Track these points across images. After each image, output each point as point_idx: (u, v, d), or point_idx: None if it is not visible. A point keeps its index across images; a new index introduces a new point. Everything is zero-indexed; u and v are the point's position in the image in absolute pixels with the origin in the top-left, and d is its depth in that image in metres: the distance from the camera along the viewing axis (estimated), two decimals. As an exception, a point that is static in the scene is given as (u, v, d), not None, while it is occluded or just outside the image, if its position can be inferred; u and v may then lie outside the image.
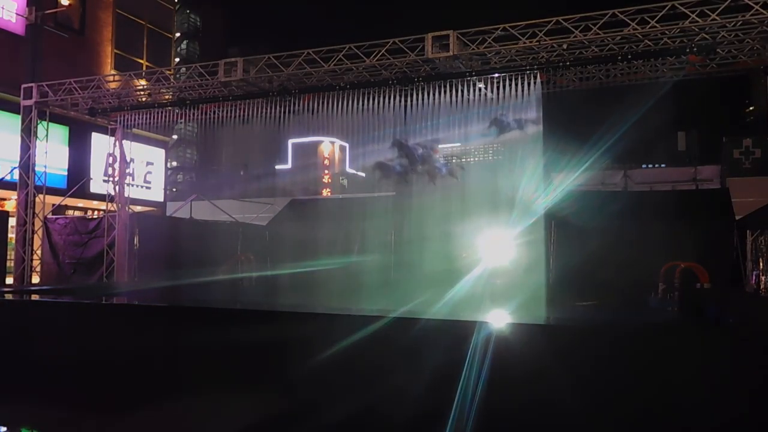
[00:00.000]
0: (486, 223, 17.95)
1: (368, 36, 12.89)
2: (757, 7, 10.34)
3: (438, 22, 12.62)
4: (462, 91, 12.93)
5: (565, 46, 11.95)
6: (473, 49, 12.21)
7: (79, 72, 16.91)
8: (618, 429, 5.98)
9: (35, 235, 16.27)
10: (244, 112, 14.72)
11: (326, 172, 34.33)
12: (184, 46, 42.61)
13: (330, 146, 34.68)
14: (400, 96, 13.43)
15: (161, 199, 22.57)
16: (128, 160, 17.41)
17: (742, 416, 5.66)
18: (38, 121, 15.99)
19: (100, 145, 19.15)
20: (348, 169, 35.09)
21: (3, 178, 16.20)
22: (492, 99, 13.01)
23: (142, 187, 21.00)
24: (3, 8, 17.39)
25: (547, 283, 13.31)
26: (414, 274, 17.48)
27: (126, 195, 17.04)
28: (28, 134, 15.90)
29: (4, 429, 7.93)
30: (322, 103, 14.00)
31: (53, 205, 17.51)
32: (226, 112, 14.88)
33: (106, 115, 16.40)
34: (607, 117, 21.43)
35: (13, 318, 10.05)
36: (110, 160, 17.54)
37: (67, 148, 18.95)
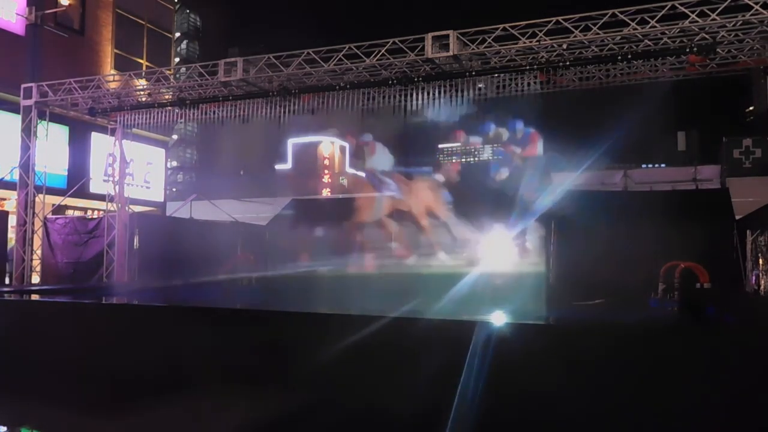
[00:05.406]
0: (486, 223, 17.96)
1: (368, 36, 12.90)
2: (757, 7, 10.33)
3: (438, 22, 12.63)
4: (462, 91, 12.93)
5: (565, 46, 11.95)
6: (473, 49, 12.20)
7: (79, 72, 16.90)
8: (618, 428, 5.98)
9: (35, 235, 16.27)
10: (244, 112, 14.72)
11: (326, 172, 34.25)
12: (184, 46, 42.56)
13: (330, 146, 34.60)
14: (400, 96, 13.43)
15: (161, 199, 22.57)
16: (128, 160, 17.40)
17: (741, 415, 5.66)
18: (38, 121, 15.98)
19: (100, 145, 19.14)
20: (348, 169, 35.02)
21: (3, 178, 16.20)
22: (492, 99, 13.01)
23: (142, 187, 21.00)
24: (3, 8, 17.39)
25: (547, 283, 13.28)
26: (414, 274, 17.48)
27: (126, 195, 17.03)
28: (28, 134, 15.89)
29: (4, 429, 7.93)
30: (322, 103, 14.00)
31: (53, 205, 17.51)
32: (226, 112, 14.87)
33: (106, 115, 16.39)
34: (608, 117, 21.44)
35: (13, 318, 10.06)
36: (110, 160, 17.54)
37: (67, 148, 18.95)
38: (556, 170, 23.26)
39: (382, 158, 31.85)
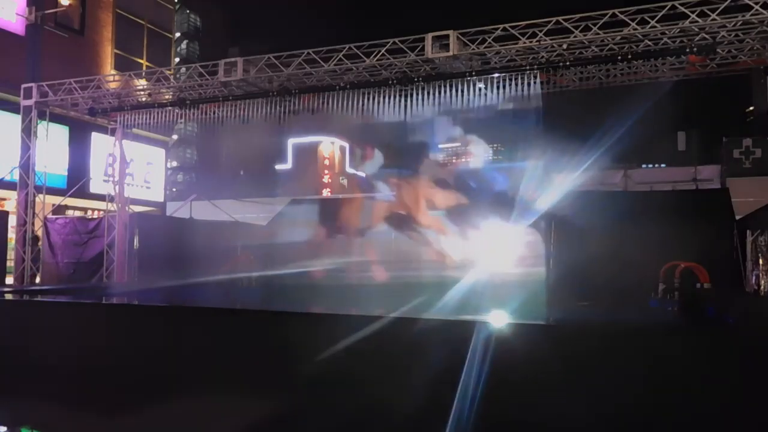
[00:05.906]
0: (486, 223, 17.95)
1: (368, 36, 12.90)
2: (757, 7, 10.34)
3: (438, 22, 12.63)
4: (462, 91, 12.92)
5: (565, 46, 11.95)
6: (473, 49, 12.21)
7: (79, 72, 16.90)
8: (618, 428, 5.99)
9: (35, 235, 16.27)
10: (244, 112, 14.71)
11: (326, 172, 34.23)
12: (184, 46, 42.54)
13: (330, 146, 34.58)
14: (400, 96, 13.43)
15: (161, 199, 22.58)
16: (128, 160, 17.40)
17: (741, 415, 5.66)
18: (38, 121, 15.98)
19: (100, 145, 19.15)
20: (348, 169, 35.02)
21: (3, 178, 16.21)
22: (492, 99, 13.01)
23: (142, 187, 21.00)
24: (3, 8, 17.39)
25: (547, 283, 13.28)
26: (414, 274, 17.46)
27: (126, 195, 17.04)
28: (28, 134, 15.90)
29: (4, 429, 7.92)
30: (322, 103, 14.00)
31: (53, 205, 17.51)
32: (226, 112, 14.87)
33: (106, 115, 16.39)
34: (608, 117, 21.42)
35: (13, 318, 10.06)
36: (110, 160, 17.55)
37: (67, 148, 18.95)
38: (556, 170, 23.23)
39: (377, 162, 31.94)
